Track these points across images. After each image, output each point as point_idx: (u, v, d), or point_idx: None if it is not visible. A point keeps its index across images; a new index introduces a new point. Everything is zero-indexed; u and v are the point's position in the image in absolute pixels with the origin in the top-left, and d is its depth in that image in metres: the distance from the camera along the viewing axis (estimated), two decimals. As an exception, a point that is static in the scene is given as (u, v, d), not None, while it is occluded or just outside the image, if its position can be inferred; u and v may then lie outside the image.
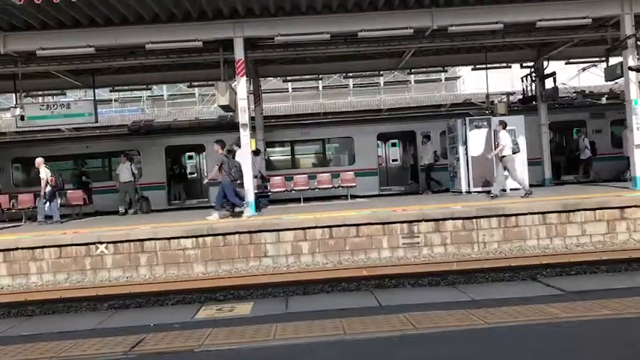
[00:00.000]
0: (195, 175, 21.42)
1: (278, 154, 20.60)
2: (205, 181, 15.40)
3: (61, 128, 23.74)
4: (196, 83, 22.36)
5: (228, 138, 18.49)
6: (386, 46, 15.95)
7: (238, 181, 13.29)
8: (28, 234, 12.08)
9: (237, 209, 13.22)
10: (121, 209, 16.71)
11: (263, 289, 8.80)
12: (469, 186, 15.87)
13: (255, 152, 17.97)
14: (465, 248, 11.29)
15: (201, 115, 26.16)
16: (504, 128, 14.02)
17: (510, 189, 15.47)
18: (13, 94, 18.13)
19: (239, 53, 13.45)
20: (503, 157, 13.79)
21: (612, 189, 14.12)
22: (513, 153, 13.89)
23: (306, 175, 17.64)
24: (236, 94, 13.89)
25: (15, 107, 16.06)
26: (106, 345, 4.79)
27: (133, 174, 16.73)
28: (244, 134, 13.50)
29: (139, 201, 17.12)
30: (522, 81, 19.80)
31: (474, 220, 11.40)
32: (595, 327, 4.62)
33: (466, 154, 15.92)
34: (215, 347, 4.60)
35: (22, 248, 11.03)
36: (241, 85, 13.60)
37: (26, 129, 19.87)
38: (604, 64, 15.66)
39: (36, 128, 19.89)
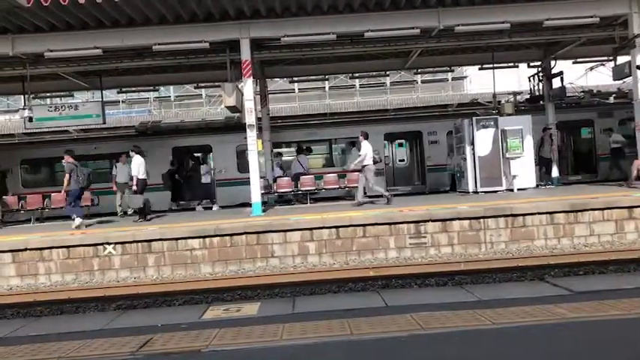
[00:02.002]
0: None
1: (285, 155, 20.61)
2: (62, 192, 14.33)
3: (69, 129, 23.87)
4: (203, 84, 22.43)
5: (233, 139, 18.64)
6: (392, 46, 15.94)
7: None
8: (37, 234, 12.16)
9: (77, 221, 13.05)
10: (129, 210, 16.74)
11: (270, 290, 8.79)
12: (476, 186, 15.82)
13: (300, 150, 18.58)
14: (473, 248, 11.25)
15: (208, 116, 26.20)
16: (366, 138, 14.26)
17: (518, 189, 15.44)
18: (22, 96, 18.26)
19: (245, 54, 13.48)
20: (365, 166, 13.96)
21: (621, 189, 14.04)
22: (374, 163, 14.18)
23: (312, 176, 17.64)
24: (242, 94, 13.93)
25: (24, 109, 16.19)
26: (113, 345, 4.81)
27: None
28: (251, 135, 13.52)
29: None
30: (529, 80, 19.73)
31: (482, 220, 11.35)
32: (603, 327, 4.60)
33: (473, 154, 15.87)
34: (222, 347, 4.61)
35: (31, 249, 11.09)
36: (248, 85, 13.63)
37: (34, 130, 20.04)
38: (612, 63, 15.58)
39: (44, 129, 20.02)
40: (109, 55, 14.94)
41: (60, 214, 16.62)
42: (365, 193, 14.63)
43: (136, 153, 14.39)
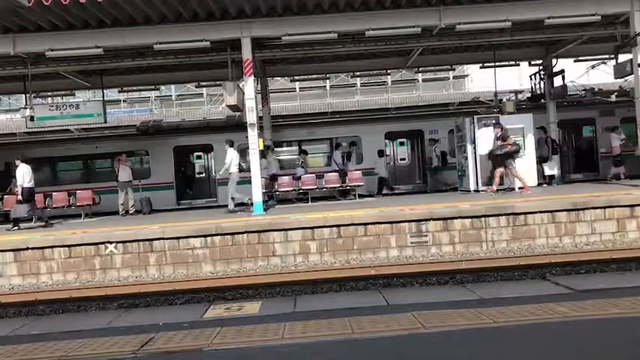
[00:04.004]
0: (204, 175, 21.53)
1: (286, 154, 20.63)
2: None
3: (70, 129, 23.89)
4: (204, 83, 22.44)
5: (236, 137, 18.62)
6: (393, 45, 15.93)
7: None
8: (38, 234, 12.17)
9: None
10: (130, 209, 16.76)
11: (271, 289, 8.80)
12: (477, 185, 15.81)
13: (336, 146, 18.77)
14: (474, 247, 11.24)
15: (209, 115, 26.23)
16: (231, 146, 14.81)
17: (519, 187, 15.41)
18: (23, 95, 18.27)
19: (246, 53, 13.48)
20: (230, 173, 14.50)
21: (623, 187, 14.02)
22: (240, 171, 14.74)
23: (313, 175, 17.63)
24: (244, 93, 13.93)
25: (25, 108, 16.20)
26: (115, 344, 4.81)
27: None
28: (252, 134, 13.52)
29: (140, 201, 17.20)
30: (531, 79, 19.70)
31: (483, 218, 11.34)
32: (605, 326, 4.59)
33: (474, 152, 15.86)
34: (224, 346, 4.61)
35: (32, 248, 11.10)
36: (249, 84, 13.63)
37: (36, 130, 20.06)
38: (613, 62, 15.56)
39: (45, 129, 20.05)
40: (110, 54, 14.95)
41: (61, 214, 16.67)
42: (233, 199, 14.81)
43: (22, 162, 14.03)
